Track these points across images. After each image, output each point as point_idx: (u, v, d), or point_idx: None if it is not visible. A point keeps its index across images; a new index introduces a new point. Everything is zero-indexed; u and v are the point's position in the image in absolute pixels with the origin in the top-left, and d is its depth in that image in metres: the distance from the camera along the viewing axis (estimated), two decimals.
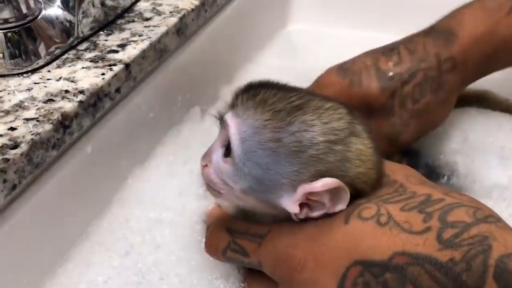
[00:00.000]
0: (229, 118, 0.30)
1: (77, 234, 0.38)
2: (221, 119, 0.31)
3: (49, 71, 0.38)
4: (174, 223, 0.39)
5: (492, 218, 0.30)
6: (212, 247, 0.34)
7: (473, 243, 0.28)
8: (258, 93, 0.30)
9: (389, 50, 0.44)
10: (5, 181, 0.31)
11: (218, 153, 0.31)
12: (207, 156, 0.32)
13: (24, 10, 0.37)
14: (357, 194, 0.30)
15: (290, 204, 0.29)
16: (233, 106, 0.31)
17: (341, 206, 0.29)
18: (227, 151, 0.30)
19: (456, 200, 0.30)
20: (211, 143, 0.33)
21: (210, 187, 0.32)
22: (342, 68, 0.44)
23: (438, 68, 0.43)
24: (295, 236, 0.31)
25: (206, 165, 0.32)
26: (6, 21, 0.37)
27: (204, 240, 0.35)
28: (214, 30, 0.52)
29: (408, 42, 0.44)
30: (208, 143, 0.33)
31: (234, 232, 0.33)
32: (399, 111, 0.44)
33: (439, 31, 0.45)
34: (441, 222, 0.29)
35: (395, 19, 0.62)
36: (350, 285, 0.30)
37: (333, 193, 0.29)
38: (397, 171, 0.33)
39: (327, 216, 0.30)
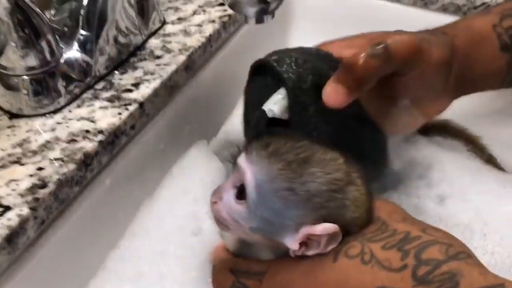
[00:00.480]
0: (245, 164, 0.34)
1: (96, 264, 0.41)
2: (235, 163, 0.35)
3: (70, 111, 0.42)
4: (177, 255, 0.42)
5: (462, 254, 0.32)
6: (219, 286, 0.38)
7: (443, 279, 0.31)
8: (270, 142, 0.34)
9: None
10: (35, 218, 0.34)
11: (230, 193, 0.34)
12: (217, 193, 0.35)
13: (48, 57, 0.41)
14: (346, 232, 0.33)
15: (292, 242, 0.33)
16: (246, 152, 0.34)
17: (333, 246, 0.33)
18: (240, 194, 0.34)
19: (432, 238, 0.33)
20: (214, 172, 0.36)
21: (220, 221, 0.36)
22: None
23: (430, 30, 0.46)
24: (292, 273, 0.34)
25: (216, 202, 0.35)
26: (32, 68, 0.40)
27: (210, 279, 0.38)
28: (219, 63, 0.55)
29: None
30: (211, 173, 0.36)
31: (237, 272, 0.37)
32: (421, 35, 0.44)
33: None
34: (416, 259, 0.32)
35: None
36: None
37: (330, 236, 0.32)
38: (381, 208, 0.36)
39: (319, 254, 0.33)
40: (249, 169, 0.33)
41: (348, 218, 0.33)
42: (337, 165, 0.33)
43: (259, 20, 0.38)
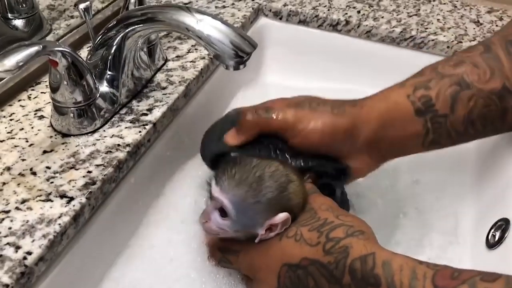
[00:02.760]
0: (219, 195, 0.47)
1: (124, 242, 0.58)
2: (211, 195, 0.48)
3: (104, 130, 0.59)
4: (181, 241, 0.57)
5: (358, 232, 0.44)
6: (212, 260, 0.53)
7: (340, 251, 0.43)
8: (234, 173, 0.47)
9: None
10: (89, 205, 0.51)
11: (215, 214, 0.48)
12: (205, 215, 0.48)
13: (88, 94, 0.57)
14: (293, 214, 0.48)
15: (261, 231, 0.47)
16: (217, 184, 0.47)
17: (286, 227, 0.48)
18: (223, 213, 0.47)
19: (340, 222, 0.46)
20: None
21: (211, 233, 0.50)
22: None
23: (341, 102, 0.53)
24: (255, 251, 0.49)
25: (206, 221, 0.48)
26: (78, 102, 0.56)
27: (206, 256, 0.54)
28: (209, 89, 0.72)
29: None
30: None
31: (222, 250, 0.52)
32: (303, 102, 0.53)
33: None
34: (326, 238, 0.45)
35: (353, 73, 0.80)
36: (283, 278, 0.47)
37: (284, 221, 0.47)
38: (316, 200, 0.49)
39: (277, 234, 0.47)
40: (224, 198, 0.47)
41: (292, 205, 0.48)
42: (280, 173, 0.48)
43: (236, 68, 0.54)
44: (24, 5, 0.67)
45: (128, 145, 0.57)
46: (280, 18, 0.85)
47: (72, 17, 0.74)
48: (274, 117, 0.52)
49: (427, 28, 0.80)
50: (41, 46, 0.50)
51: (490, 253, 0.57)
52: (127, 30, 0.58)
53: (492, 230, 0.58)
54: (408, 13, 0.84)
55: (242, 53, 0.53)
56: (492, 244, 0.57)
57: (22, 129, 0.58)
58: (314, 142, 0.52)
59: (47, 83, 0.64)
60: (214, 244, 0.53)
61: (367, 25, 0.80)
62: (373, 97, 0.55)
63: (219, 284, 0.54)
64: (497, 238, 0.57)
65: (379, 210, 0.64)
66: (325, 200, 0.50)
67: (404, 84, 0.54)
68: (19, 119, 0.59)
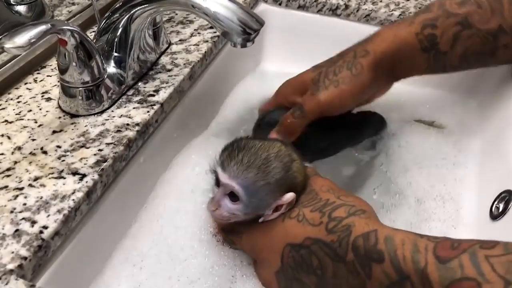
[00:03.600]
0: (229, 181, 0.47)
1: (134, 216, 0.59)
2: (217, 181, 0.49)
3: (112, 111, 0.59)
4: (189, 211, 0.57)
5: (359, 211, 0.45)
6: (219, 238, 0.54)
7: (343, 230, 0.44)
8: (241, 157, 0.47)
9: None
10: (101, 182, 0.52)
11: (225, 200, 0.48)
12: (214, 203, 0.49)
13: (97, 74, 0.58)
14: (297, 193, 0.49)
15: (268, 211, 0.48)
16: (224, 170, 0.48)
17: (290, 206, 0.49)
18: (234, 198, 0.48)
19: (342, 202, 0.47)
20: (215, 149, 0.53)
21: (221, 220, 0.50)
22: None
23: (354, 56, 0.59)
24: (258, 233, 0.50)
25: (216, 209, 0.49)
26: (86, 82, 0.57)
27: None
28: (212, 71, 0.73)
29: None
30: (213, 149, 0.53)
31: (226, 231, 0.53)
32: (323, 79, 0.59)
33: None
34: (328, 217, 0.46)
35: None
36: (286, 258, 0.47)
37: (291, 201, 0.48)
38: (317, 182, 0.50)
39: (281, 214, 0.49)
40: (235, 183, 0.47)
41: (297, 183, 0.49)
42: (283, 153, 0.49)
43: (243, 45, 0.55)
44: None
45: (137, 124, 0.57)
46: (280, 4, 0.86)
47: (73, 3, 0.75)
48: (309, 111, 0.58)
49: None
50: (50, 24, 0.50)
51: (494, 224, 0.58)
52: (133, 11, 0.58)
53: (496, 202, 0.59)
54: None
55: (250, 30, 0.54)
56: (495, 216, 0.58)
57: (30, 110, 0.58)
58: (350, 106, 0.60)
59: (53, 67, 0.65)
60: (219, 224, 0.55)
61: (366, 9, 0.81)
62: (383, 36, 0.60)
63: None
64: (500, 209, 0.58)
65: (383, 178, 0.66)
66: (326, 181, 0.52)
67: (413, 22, 0.59)
68: (26, 101, 0.60)
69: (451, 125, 0.74)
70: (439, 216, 0.62)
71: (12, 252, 0.43)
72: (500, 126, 0.66)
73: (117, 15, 0.59)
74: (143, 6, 0.57)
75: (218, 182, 0.50)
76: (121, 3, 0.59)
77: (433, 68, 0.60)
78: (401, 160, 0.68)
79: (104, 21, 0.60)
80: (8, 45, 0.46)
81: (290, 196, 0.48)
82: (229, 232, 0.53)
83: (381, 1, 0.83)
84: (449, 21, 0.58)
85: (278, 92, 0.65)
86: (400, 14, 0.80)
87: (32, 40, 0.47)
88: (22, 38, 0.47)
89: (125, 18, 0.59)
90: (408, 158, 0.68)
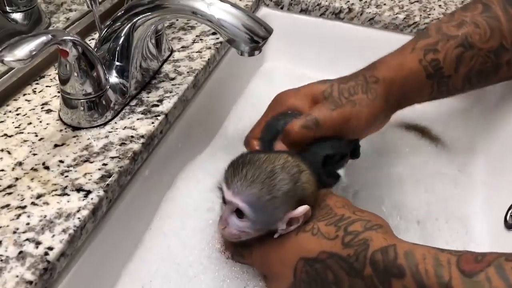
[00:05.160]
0: (233, 198, 0.46)
1: (139, 233, 0.57)
2: (224, 199, 0.47)
3: (115, 122, 0.57)
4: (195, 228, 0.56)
5: (376, 226, 0.45)
6: (227, 253, 0.53)
7: (360, 244, 0.43)
8: (245, 173, 0.45)
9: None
10: (107, 197, 0.50)
11: (232, 217, 0.47)
12: (222, 222, 0.48)
13: (99, 85, 0.55)
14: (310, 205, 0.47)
15: (281, 225, 0.47)
16: (229, 187, 0.46)
17: (305, 220, 0.47)
18: (240, 214, 0.46)
19: (357, 217, 0.46)
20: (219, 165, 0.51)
21: (231, 238, 0.49)
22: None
23: (365, 81, 0.56)
24: (269, 246, 0.48)
25: (225, 227, 0.48)
26: (88, 94, 0.55)
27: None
28: (216, 78, 0.71)
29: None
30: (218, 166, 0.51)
31: (236, 246, 0.52)
32: (338, 96, 0.54)
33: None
34: (344, 231, 0.45)
35: (357, 61, 0.78)
36: (299, 273, 0.46)
37: (305, 214, 0.47)
38: (331, 199, 0.49)
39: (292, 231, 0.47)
40: (238, 200, 0.46)
41: (308, 194, 0.47)
42: (290, 164, 0.47)
43: (251, 54, 0.53)
44: None
45: (142, 136, 0.55)
46: (282, 8, 0.84)
47: (70, 10, 0.72)
48: (323, 124, 0.53)
49: (430, 14, 0.80)
50: (51, 35, 0.48)
51: (509, 234, 0.57)
52: (135, 19, 0.56)
53: (511, 211, 0.58)
54: None
55: (258, 38, 0.52)
56: (510, 225, 0.57)
57: (30, 123, 0.56)
58: (361, 131, 0.56)
59: (52, 77, 0.63)
60: (226, 239, 0.53)
61: (370, 13, 0.80)
62: (389, 65, 0.57)
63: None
64: None
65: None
66: (340, 198, 0.51)
67: (415, 48, 0.58)
68: (26, 114, 0.57)
69: (452, 133, 0.73)
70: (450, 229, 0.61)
71: (17, 276, 0.41)
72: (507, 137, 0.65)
73: (119, 23, 0.57)
74: (146, 14, 0.55)
75: (224, 200, 0.48)
76: (123, 12, 0.57)
77: (437, 93, 0.59)
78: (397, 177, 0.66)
79: (106, 29, 0.58)
80: (8, 58, 0.44)
81: (303, 209, 0.46)
82: (239, 246, 0.52)
83: (385, 4, 0.82)
84: (450, 44, 0.57)
85: (277, 102, 0.58)
86: (404, 18, 0.79)
87: (33, 53, 0.45)
88: (23, 51, 0.45)
89: (127, 26, 0.57)
90: (404, 173, 0.67)
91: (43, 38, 0.47)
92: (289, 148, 0.54)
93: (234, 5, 0.52)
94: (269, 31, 0.53)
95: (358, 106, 0.54)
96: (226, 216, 0.48)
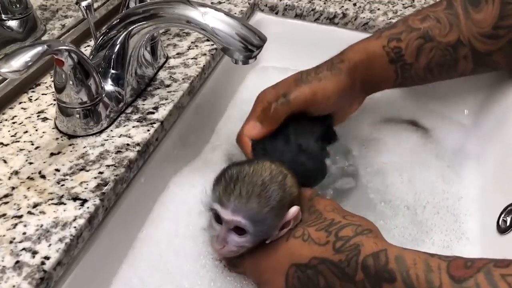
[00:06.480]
0: (233, 216, 0.46)
1: (133, 240, 0.57)
2: (219, 219, 0.48)
3: (111, 130, 0.57)
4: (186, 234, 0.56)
5: (366, 231, 0.45)
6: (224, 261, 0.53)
7: (351, 249, 0.44)
8: (239, 190, 0.46)
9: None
10: (103, 206, 0.50)
11: (231, 235, 0.47)
12: (220, 242, 0.48)
13: (94, 93, 0.56)
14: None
15: (276, 232, 0.48)
16: (225, 206, 0.47)
17: (297, 222, 0.48)
18: (240, 231, 0.47)
19: (348, 222, 0.47)
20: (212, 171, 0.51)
21: (230, 254, 0.49)
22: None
23: (331, 62, 0.61)
24: (261, 254, 0.49)
25: (223, 246, 0.48)
26: (84, 102, 0.55)
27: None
28: (211, 84, 0.71)
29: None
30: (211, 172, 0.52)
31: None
32: (306, 77, 0.60)
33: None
34: (335, 237, 0.45)
35: None
36: (291, 279, 0.47)
37: (296, 216, 0.48)
38: (320, 203, 0.50)
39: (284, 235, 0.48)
40: (239, 217, 0.46)
41: (295, 197, 0.49)
42: (275, 172, 0.48)
43: (245, 63, 0.53)
44: (18, 6, 0.65)
45: (138, 144, 0.56)
46: (276, 13, 0.85)
47: (66, 16, 0.73)
48: (294, 99, 0.58)
49: None
50: (46, 45, 0.49)
51: (502, 238, 0.57)
52: (130, 28, 0.56)
53: (503, 215, 0.58)
54: (403, 4, 0.84)
55: (252, 47, 0.52)
56: (503, 229, 0.57)
57: (26, 132, 0.56)
58: (331, 105, 0.60)
59: (47, 84, 0.63)
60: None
61: (364, 18, 0.80)
62: (354, 49, 0.63)
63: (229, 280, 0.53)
64: (508, 223, 0.57)
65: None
66: (329, 201, 0.51)
67: (380, 36, 0.64)
68: (22, 122, 0.58)
69: (448, 135, 0.74)
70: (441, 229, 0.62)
71: (13, 286, 0.42)
72: (507, 136, 0.66)
73: (115, 31, 0.57)
74: (141, 23, 0.55)
75: (218, 219, 0.48)
76: (118, 20, 0.57)
77: (402, 79, 0.64)
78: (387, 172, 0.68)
79: (101, 37, 0.59)
80: (4, 69, 0.45)
81: (294, 210, 0.47)
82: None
83: (378, 9, 0.82)
84: (412, 35, 0.62)
85: (259, 100, 0.60)
86: None
87: (29, 63, 0.46)
88: (19, 61, 0.45)
89: (123, 35, 0.57)
90: (395, 167, 0.69)
91: (38, 49, 0.47)
92: (267, 125, 0.57)
93: (228, 14, 0.53)
94: (263, 39, 0.54)
95: (323, 80, 0.59)
96: (224, 235, 0.48)
